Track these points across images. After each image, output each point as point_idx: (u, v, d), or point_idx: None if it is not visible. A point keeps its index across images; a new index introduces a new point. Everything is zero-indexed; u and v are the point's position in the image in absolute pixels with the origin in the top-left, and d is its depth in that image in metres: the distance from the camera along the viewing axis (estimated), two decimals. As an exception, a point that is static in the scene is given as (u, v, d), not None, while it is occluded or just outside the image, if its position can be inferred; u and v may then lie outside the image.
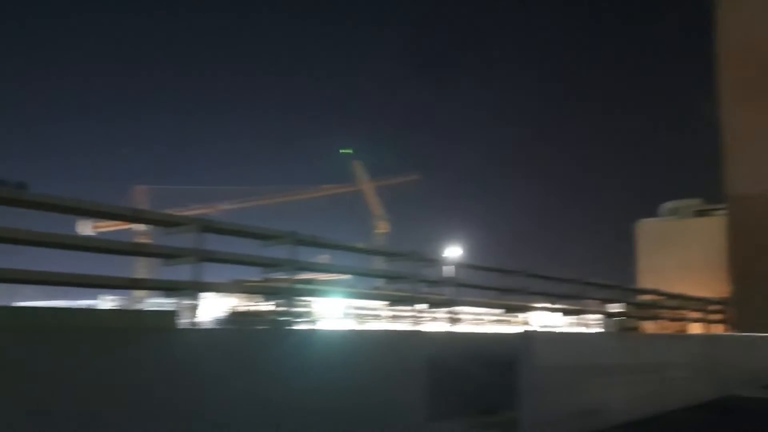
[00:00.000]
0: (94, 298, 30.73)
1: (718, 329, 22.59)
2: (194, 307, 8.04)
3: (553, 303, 15.47)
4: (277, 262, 8.80)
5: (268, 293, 10.50)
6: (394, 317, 26.71)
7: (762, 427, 10.66)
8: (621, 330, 19.68)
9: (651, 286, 22.22)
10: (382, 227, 76.76)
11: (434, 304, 12.08)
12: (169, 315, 8.72)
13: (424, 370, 7.94)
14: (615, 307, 19.77)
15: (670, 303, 21.20)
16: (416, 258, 10.73)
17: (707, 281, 26.09)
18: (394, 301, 12.56)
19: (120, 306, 29.86)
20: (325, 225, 79.23)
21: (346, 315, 26.80)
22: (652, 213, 37.65)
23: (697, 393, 12.77)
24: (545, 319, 16.74)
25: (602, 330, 20.87)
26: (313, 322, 22.34)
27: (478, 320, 27.56)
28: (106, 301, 30.83)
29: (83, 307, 24.80)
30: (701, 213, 34.59)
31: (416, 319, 10.93)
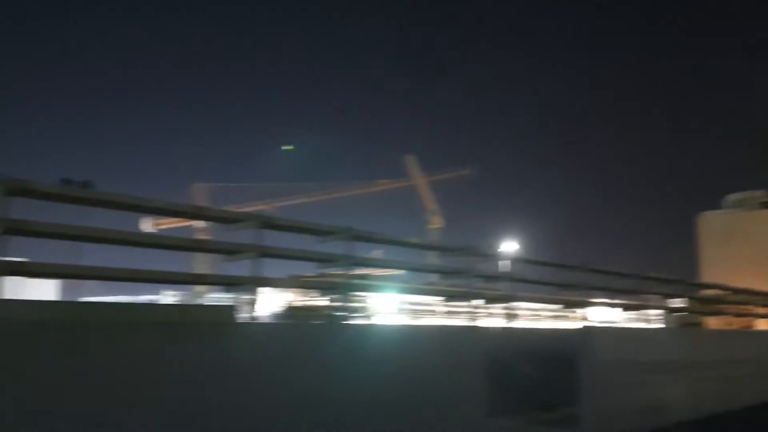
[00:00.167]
0: (157, 293, 31.50)
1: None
2: (253, 302, 8.17)
3: (612, 298, 15.16)
4: (333, 257, 8.87)
5: (325, 288, 10.58)
6: (449, 313, 26.61)
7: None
8: (683, 326, 19.15)
9: (714, 280, 21.57)
10: (436, 222, 76.50)
11: (490, 300, 11.98)
12: (229, 309, 8.88)
13: (483, 365, 7.90)
14: (676, 303, 19.24)
15: (735, 298, 20.51)
16: (472, 253, 10.66)
17: (776, 275, 25.19)
18: (450, 296, 12.50)
19: (181, 301, 30.55)
20: (379, 220, 79.37)
21: (401, 310, 26.84)
22: (714, 205, 36.52)
23: (764, 391, 12.36)
24: (604, 315, 16.42)
25: (664, 326, 20.36)
26: (368, 317, 22.45)
27: (535, 316, 27.24)
28: (168, 296, 31.58)
29: (146, 302, 25.52)
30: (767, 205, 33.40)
31: (472, 315, 10.86)
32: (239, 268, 7.86)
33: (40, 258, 6.70)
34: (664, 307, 18.21)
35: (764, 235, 30.29)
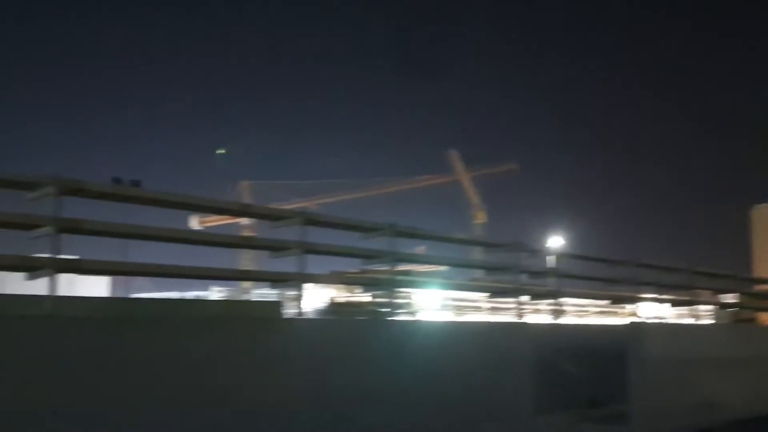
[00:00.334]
0: (204, 289, 32.01)
1: None
2: (298, 298, 8.25)
3: (661, 293, 14.86)
4: (377, 253, 8.88)
5: (369, 284, 10.61)
6: (493, 309, 26.43)
7: None
8: (735, 322, 18.66)
9: (769, 275, 20.97)
10: (480, 217, 76.05)
11: (537, 296, 11.87)
12: (275, 305, 8.99)
13: (530, 362, 7.84)
14: (728, 298, 18.75)
15: (790, 293, 19.90)
16: (518, 248, 10.55)
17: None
18: (495, 292, 12.42)
19: (228, 297, 30.99)
20: (422, 216, 79.18)
21: (445, 307, 26.75)
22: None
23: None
24: (653, 310, 16.12)
25: (715, 322, 19.88)
26: (412, 313, 22.44)
27: (583, 312, 26.86)
28: (215, 292, 32.06)
29: (194, 297, 25.97)
30: (824, 196, 32.25)
31: (518, 311, 10.76)
32: (283, 264, 7.94)
33: (87, 255, 6.86)
34: (715, 303, 17.78)
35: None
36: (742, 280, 17.75)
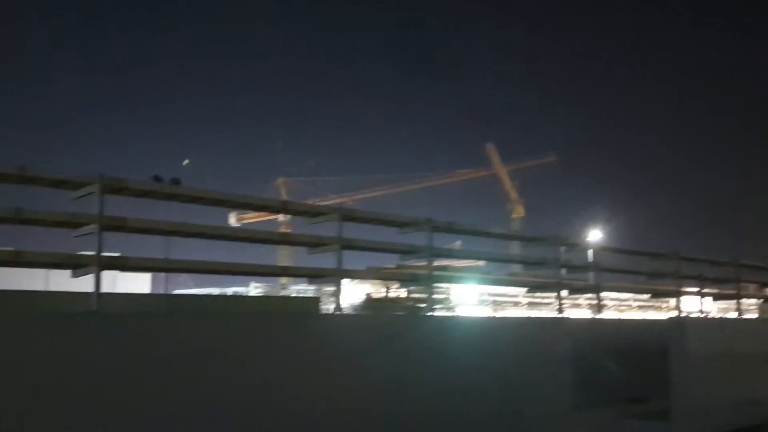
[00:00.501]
0: (244, 285, 32.41)
1: None
2: (336, 293, 8.30)
3: (704, 287, 14.58)
4: (414, 248, 8.88)
5: (406, 280, 10.63)
6: (531, 304, 26.27)
7: None
8: (782, 316, 18.23)
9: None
10: (518, 211, 75.43)
11: (576, 291, 11.74)
12: (313, 300, 9.06)
13: (570, 357, 7.78)
14: (774, 292, 18.31)
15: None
16: (557, 242, 10.44)
17: None
18: (534, 287, 12.32)
19: (267, 292, 31.34)
20: (459, 210, 78.93)
21: (483, 301, 26.66)
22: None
23: None
24: (695, 305, 15.81)
25: (760, 316, 19.43)
26: (450, 308, 22.42)
27: (623, 306, 26.53)
28: (254, 288, 32.45)
29: (234, 293, 26.33)
30: None
31: (557, 306, 10.66)
32: (321, 260, 7.99)
33: (126, 252, 7.00)
34: (760, 297, 17.38)
35: None
36: (788, 274, 17.31)
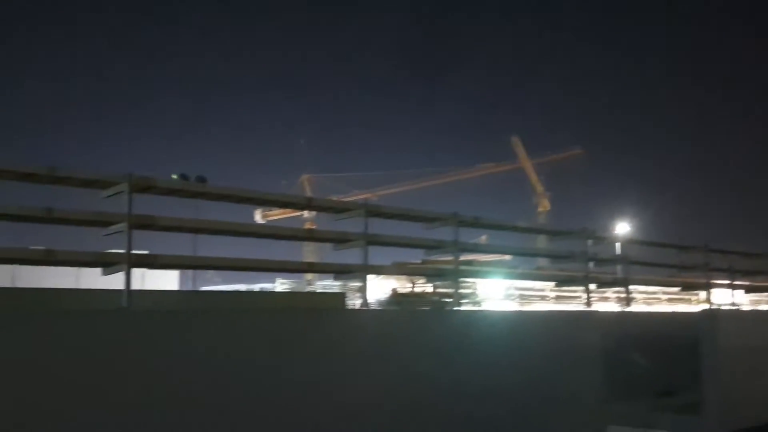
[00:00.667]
0: (270, 281, 32.59)
1: None
2: (362, 289, 8.31)
3: (735, 279, 14.36)
4: (440, 243, 8.87)
5: (432, 275, 10.60)
6: (559, 298, 26.09)
7: None
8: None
9: None
10: (544, 205, 74.84)
11: (604, 284, 11.64)
12: (339, 296, 9.08)
13: (599, 351, 7.71)
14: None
15: None
16: (584, 236, 10.34)
17: None
18: (562, 281, 12.23)
19: (293, 288, 31.49)
20: (485, 204, 78.45)
21: (510, 296, 26.54)
22: None
23: None
24: (726, 297, 15.58)
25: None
26: (476, 302, 22.36)
27: (652, 299, 26.23)
28: (281, 284, 32.62)
29: (260, 290, 26.52)
30: None
31: (586, 300, 10.57)
32: (346, 255, 8.01)
33: (154, 250, 7.06)
34: (793, 289, 17.08)
35: None
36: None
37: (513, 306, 25.52)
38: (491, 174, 76.24)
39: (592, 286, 11.36)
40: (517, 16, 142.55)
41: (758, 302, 26.07)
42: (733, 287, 14.28)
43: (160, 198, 6.69)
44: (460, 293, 9.54)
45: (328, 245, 8.34)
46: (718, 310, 12.09)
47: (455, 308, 9.55)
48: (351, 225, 7.99)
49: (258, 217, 57.32)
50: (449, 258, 8.96)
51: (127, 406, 4.82)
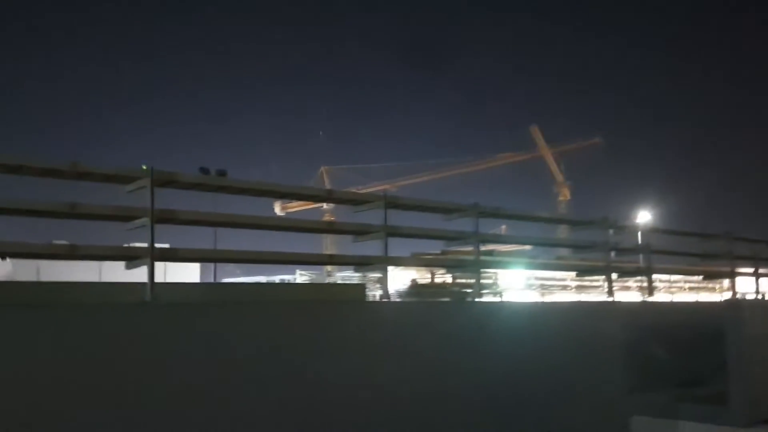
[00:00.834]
0: (290, 273, 32.72)
1: None
2: (383, 280, 8.31)
3: (759, 268, 14.18)
4: (460, 234, 8.84)
5: (453, 266, 10.57)
6: (580, 287, 25.92)
7: None
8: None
9: None
10: (564, 194, 74.34)
11: (626, 273, 11.54)
12: (359, 287, 9.09)
13: (622, 341, 7.65)
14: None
15: None
16: (606, 225, 10.25)
17: None
18: (583, 271, 12.15)
19: (313, 280, 31.61)
20: (505, 194, 78.10)
21: (530, 286, 26.41)
22: None
23: None
24: (750, 286, 15.39)
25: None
26: (497, 293, 22.27)
27: (674, 288, 25.99)
28: (299, 276, 32.74)
29: (281, 281, 26.64)
30: None
31: (607, 289, 10.49)
32: (365, 247, 8.01)
33: (174, 243, 7.11)
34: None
35: None
36: None
37: (534, 296, 25.42)
38: (511, 164, 75.88)
39: (614, 276, 11.27)
40: (543, 3, 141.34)
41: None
42: (758, 276, 14.09)
43: (177, 192, 6.72)
44: (481, 284, 9.48)
45: (348, 237, 8.33)
46: (743, 299, 11.95)
47: (476, 299, 9.52)
48: (370, 216, 7.99)
49: (277, 209, 57.55)
50: (469, 249, 8.92)
51: (153, 399, 4.86)
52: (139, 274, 5.96)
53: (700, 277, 17.44)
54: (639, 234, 11.97)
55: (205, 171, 8.24)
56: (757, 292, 14.57)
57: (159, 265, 6.02)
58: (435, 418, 6.25)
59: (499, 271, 19.03)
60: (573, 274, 17.98)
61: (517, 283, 25.12)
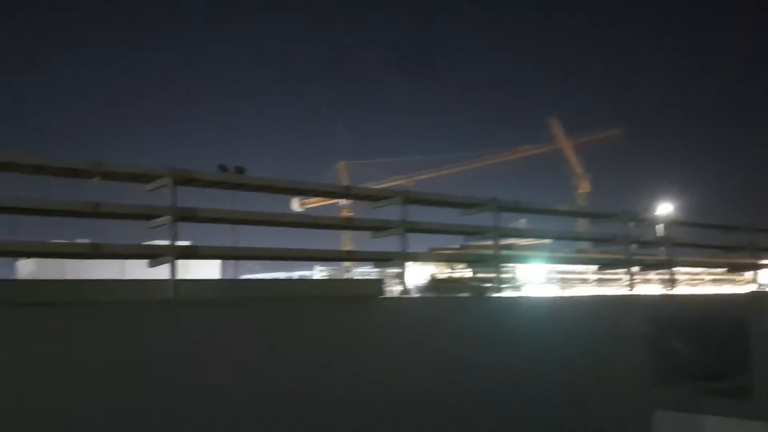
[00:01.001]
0: (309, 269, 32.83)
1: None
2: (401, 276, 8.33)
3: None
4: (479, 229, 8.83)
5: (472, 261, 10.56)
6: (600, 281, 25.71)
7: None
8: None
9: None
10: (584, 187, 73.76)
11: (648, 266, 11.46)
12: (377, 283, 9.11)
13: (644, 335, 7.61)
14: None
15: None
16: (627, 218, 10.18)
17: None
18: (604, 264, 12.08)
19: (332, 276, 31.70)
20: (523, 188, 77.51)
21: (550, 280, 26.25)
22: None
23: None
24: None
25: None
26: (516, 287, 22.18)
27: (696, 280, 25.70)
28: (319, 272, 32.84)
29: (300, 277, 26.74)
30: None
31: (628, 283, 10.43)
32: (384, 243, 8.03)
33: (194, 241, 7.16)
34: None
35: None
36: None
37: (554, 290, 25.29)
38: (529, 157, 75.36)
39: (635, 269, 11.20)
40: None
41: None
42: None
43: (194, 190, 6.78)
44: (499, 278, 9.47)
45: (364, 232, 8.36)
46: (766, 291, 11.82)
47: (496, 294, 9.51)
48: (387, 212, 8.01)
49: (295, 205, 57.67)
50: (488, 243, 8.91)
51: (177, 396, 4.92)
52: (161, 272, 6.04)
53: (723, 270, 17.28)
54: (660, 227, 11.87)
55: (223, 168, 8.28)
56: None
57: (181, 262, 6.09)
58: (453, 412, 6.25)
59: (518, 265, 18.95)
60: (593, 267, 17.88)
61: (537, 277, 24.98)
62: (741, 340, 8.10)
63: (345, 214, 42.10)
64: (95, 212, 5.81)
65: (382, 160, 76.15)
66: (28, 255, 10.75)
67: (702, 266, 16.82)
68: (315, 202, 58.49)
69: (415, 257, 8.70)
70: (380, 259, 8.23)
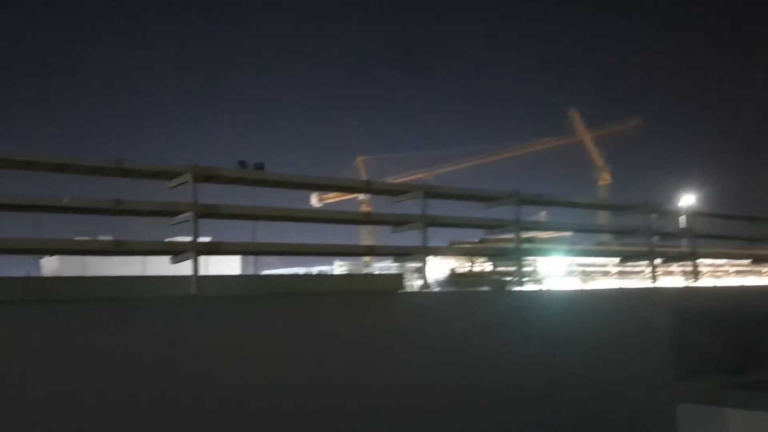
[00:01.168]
0: (328, 264, 32.92)
1: None
2: (422, 270, 8.33)
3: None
4: (500, 222, 8.80)
5: (492, 255, 10.53)
6: (622, 273, 25.55)
7: None
8: None
9: None
10: (605, 179, 73.15)
11: (670, 259, 11.36)
12: (397, 278, 9.12)
13: (666, 328, 7.55)
14: None
15: None
16: (649, 210, 10.08)
17: None
18: (626, 256, 12.00)
19: (351, 271, 31.78)
20: (544, 180, 77.03)
21: (572, 273, 26.12)
22: None
23: None
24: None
25: None
26: (537, 281, 22.09)
27: (719, 272, 25.44)
28: (338, 266, 32.92)
29: (319, 272, 26.84)
30: None
31: (650, 275, 10.34)
32: (403, 238, 8.03)
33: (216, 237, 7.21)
34: None
35: None
36: None
37: (575, 283, 25.15)
38: (549, 149, 74.87)
39: (657, 261, 11.10)
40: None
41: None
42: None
43: (213, 186, 6.83)
44: (520, 272, 9.45)
45: (383, 227, 8.36)
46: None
47: (516, 288, 9.48)
48: (407, 206, 8.00)
49: (314, 200, 57.85)
50: (509, 236, 8.88)
51: (204, 393, 4.96)
52: (182, 268, 6.10)
53: (747, 261, 17.08)
54: (682, 218, 11.75)
55: (243, 164, 8.32)
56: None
57: (202, 259, 6.14)
58: (475, 406, 6.25)
59: (539, 258, 18.88)
60: (614, 260, 17.75)
61: (558, 271, 24.86)
62: (766, 333, 8.00)
63: (364, 209, 42.17)
64: (117, 209, 5.87)
65: (401, 155, 76.01)
66: (52, 252, 10.89)
67: (725, 258, 16.64)
68: (334, 197, 58.66)
69: (436, 251, 8.70)
70: (401, 253, 8.23)
